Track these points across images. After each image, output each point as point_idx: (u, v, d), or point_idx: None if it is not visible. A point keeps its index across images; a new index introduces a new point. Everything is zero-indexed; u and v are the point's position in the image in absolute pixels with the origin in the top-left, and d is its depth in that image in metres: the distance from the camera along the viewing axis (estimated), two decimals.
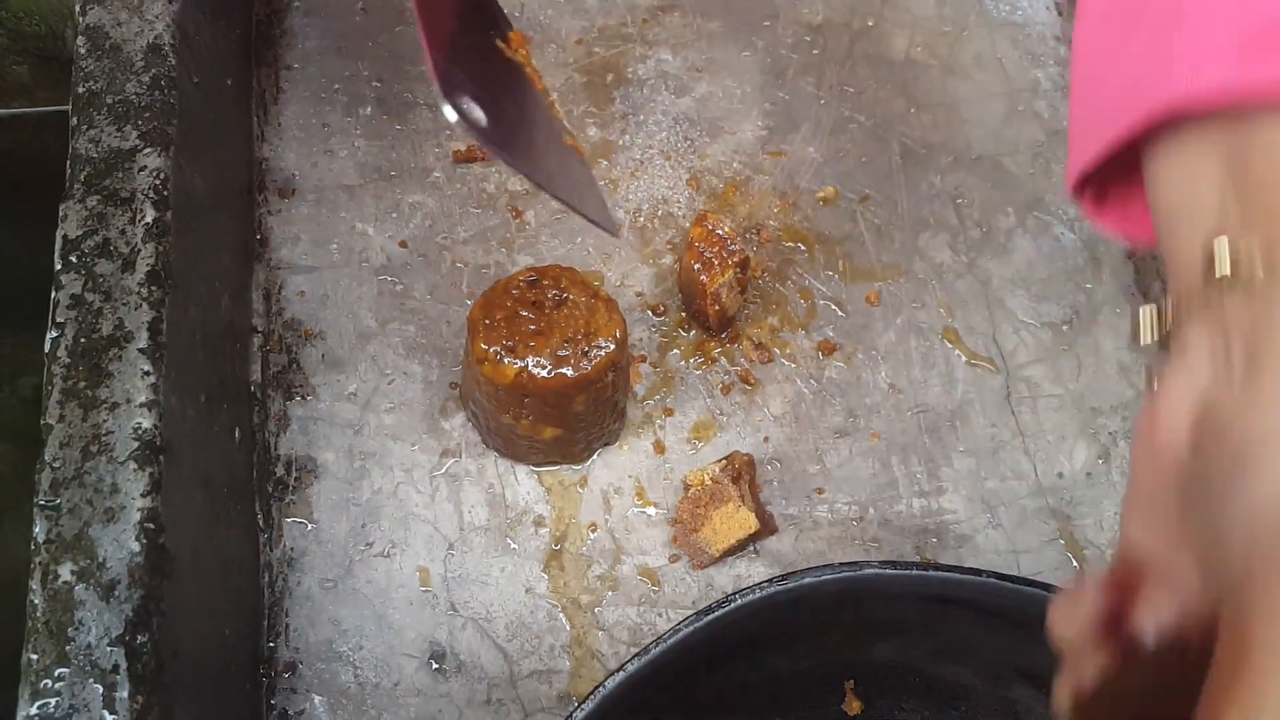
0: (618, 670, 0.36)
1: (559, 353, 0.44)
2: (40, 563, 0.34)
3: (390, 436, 0.50)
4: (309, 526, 0.48)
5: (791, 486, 0.52)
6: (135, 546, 0.35)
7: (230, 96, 0.52)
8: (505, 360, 0.44)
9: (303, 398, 0.51)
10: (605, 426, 0.50)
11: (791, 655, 0.46)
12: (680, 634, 0.37)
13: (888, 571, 0.39)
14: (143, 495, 0.36)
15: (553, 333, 0.45)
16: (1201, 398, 0.25)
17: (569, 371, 0.44)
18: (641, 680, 0.37)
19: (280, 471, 0.49)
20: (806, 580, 0.38)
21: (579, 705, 0.36)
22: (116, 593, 0.34)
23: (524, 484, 0.50)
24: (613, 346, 0.45)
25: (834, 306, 0.56)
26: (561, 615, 0.48)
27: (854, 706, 0.46)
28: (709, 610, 0.37)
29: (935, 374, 0.55)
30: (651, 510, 0.51)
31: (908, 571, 0.39)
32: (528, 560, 0.49)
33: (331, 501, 0.49)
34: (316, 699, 0.45)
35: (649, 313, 0.55)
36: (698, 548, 0.49)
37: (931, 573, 0.39)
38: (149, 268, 0.39)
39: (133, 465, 0.36)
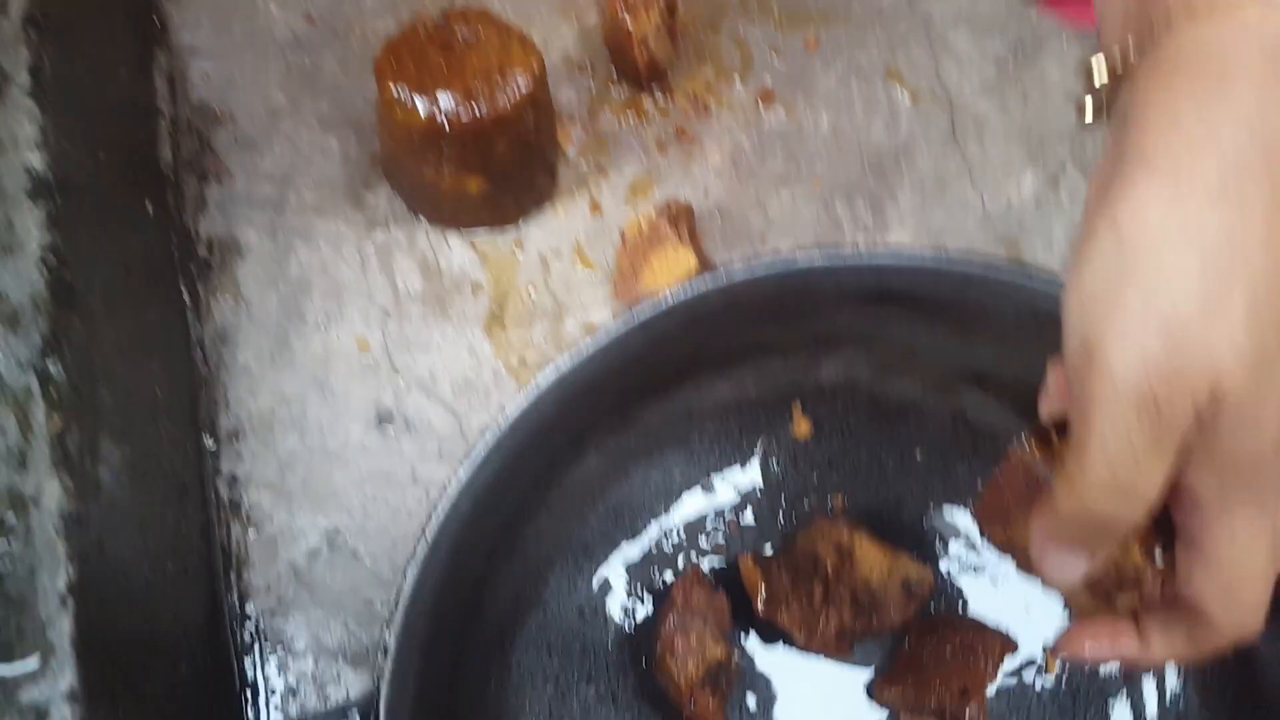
0: (541, 372, 0.36)
1: (470, 89, 0.42)
2: None
3: (314, 212, 0.49)
4: (239, 304, 0.47)
5: (734, 237, 0.51)
6: (35, 277, 0.34)
7: None
8: (415, 101, 0.42)
9: (218, 180, 0.49)
10: (534, 181, 0.48)
11: (737, 381, 0.46)
12: (613, 334, 0.36)
13: (819, 264, 0.38)
14: (39, 228, 0.34)
15: (464, 70, 0.43)
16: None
17: (482, 108, 0.42)
18: (577, 385, 0.37)
19: (203, 252, 0.48)
20: (738, 275, 0.37)
21: (499, 416, 0.35)
22: (21, 322, 0.33)
23: (457, 252, 0.49)
24: (529, 81, 0.43)
25: (771, 54, 0.54)
26: (506, 373, 0.48)
27: (802, 427, 0.46)
28: (639, 313, 0.37)
29: (878, 115, 0.53)
30: (592, 271, 0.50)
31: (841, 259, 0.38)
32: (468, 324, 0.48)
33: (259, 278, 0.48)
34: (264, 461, 0.45)
35: (576, 73, 0.52)
36: (639, 296, 0.48)
37: (866, 259, 0.38)
38: (24, 12, 0.37)
39: (26, 202, 0.35)
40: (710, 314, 0.39)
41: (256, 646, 0.43)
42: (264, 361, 0.46)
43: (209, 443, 0.45)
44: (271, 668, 0.43)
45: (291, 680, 0.43)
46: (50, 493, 0.32)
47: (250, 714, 0.42)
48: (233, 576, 0.44)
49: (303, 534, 0.45)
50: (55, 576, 0.31)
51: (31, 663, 0.30)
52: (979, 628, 0.43)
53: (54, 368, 0.33)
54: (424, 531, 0.34)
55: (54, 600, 0.31)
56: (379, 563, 0.45)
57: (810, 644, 0.41)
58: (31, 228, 0.34)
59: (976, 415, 0.46)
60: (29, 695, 0.30)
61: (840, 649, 0.41)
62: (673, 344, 0.40)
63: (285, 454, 0.45)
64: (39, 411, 0.33)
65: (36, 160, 0.35)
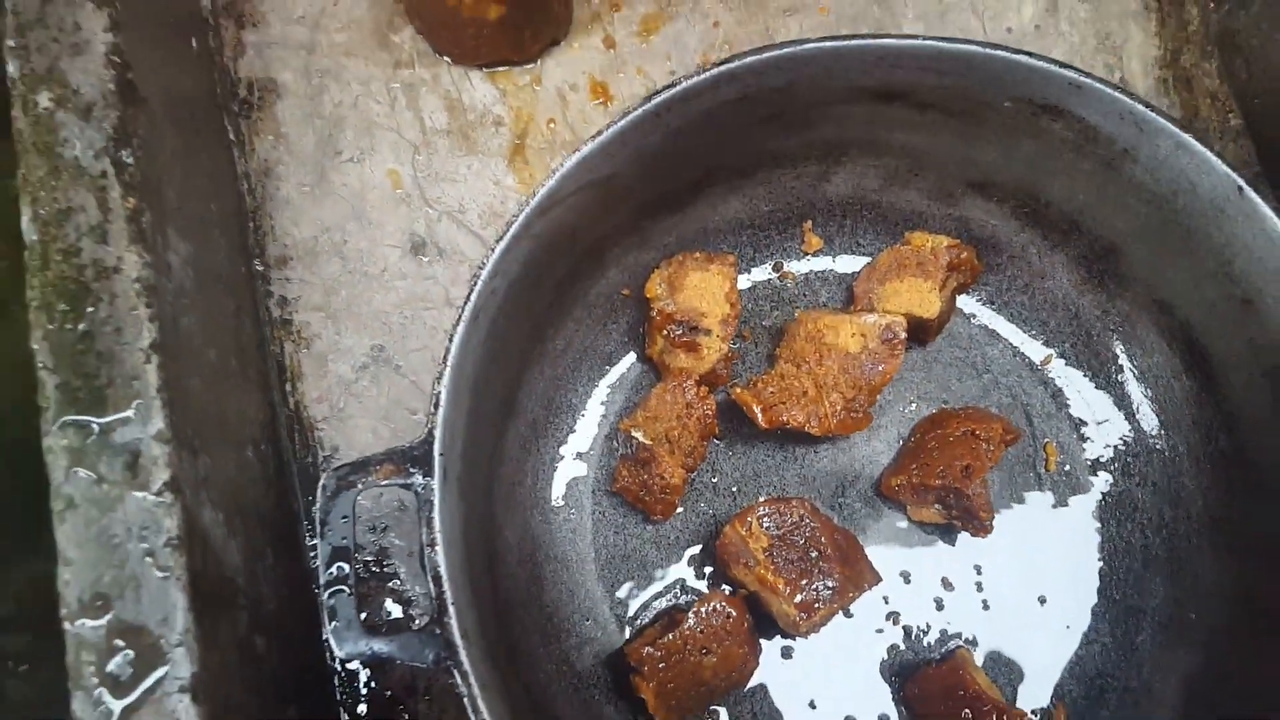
0: (567, 156, 0.38)
1: None
2: (19, 95, 0.36)
3: (344, 53, 0.51)
4: (278, 140, 0.50)
5: None
6: (105, 75, 0.37)
7: None
8: None
9: (254, 24, 0.51)
10: (550, 9, 0.50)
11: (749, 197, 0.48)
12: (627, 117, 0.38)
13: (827, 48, 0.40)
14: (105, 31, 0.37)
15: None
16: None
17: None
18: (592, 175, 0.39)
19: (243, 93, 0.50)
20: (750, 60, 0.39)
21: (529, 195, 0.38)
22: (94, 114, 0.36)
23: (479, 88, 0.52)
24: None
25: None
26: None
27: (812, 244, 0.49)
28: (651, 97, 0.39)
29: None
30: (608, 104, 0.52)
31: (849, 43, 0.39)
32: (492, 158, 0.51)
33: (296, 117, 0.50)
34: (310, 285, 0.48)
35: None
36: (871, 305, 0.46)
37: (870, 42, 0.40)
38: None
39: (90, 5, 0.37)
40: (723, 108, 0.41)
41: (312, 449, 0.47)
42: (305, 194, 0.49)
43: (259, 266, 0.48)
44: (325, 468, 0.47)
45: None
46: (130, 262, 0.35)
47: (303, 499, 0.45)
48: (288, 388, 0.47)
49: (350, 351, 0.48)
50: (139, 335, 0.35)
51: (129, 410, 0.34)
52: (982, 415, 0.45)
53: (125, 156, 0.36)
54: (468, 296, 0.36)
55: (139, 355, 0.34)
56: (420, 377, 0.48)
57: (827, 430, 0.43)
58: (97, 29, 0.37)
59: (980, 223, 0.48)
60: (122, 437, 0.34)
61: (859, 421, 0.44)
62: (688, 142, 0.42)
63: (329, 279, 0.48)
64: (115, 193, 0.36)
65: None
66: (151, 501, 0.33)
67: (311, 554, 0.44)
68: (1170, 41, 0.54)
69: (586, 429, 0.47)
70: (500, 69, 0.51)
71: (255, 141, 0.50)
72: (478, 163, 0.50)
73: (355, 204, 0.49)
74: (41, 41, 0.37)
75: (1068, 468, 0.46)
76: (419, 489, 0.35)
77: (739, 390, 0.44)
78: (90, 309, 0.34)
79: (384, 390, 0.48)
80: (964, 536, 0.45)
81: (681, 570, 0.45)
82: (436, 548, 0.33)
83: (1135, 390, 0.47)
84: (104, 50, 0.37)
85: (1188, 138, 0.39)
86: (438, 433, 0.35)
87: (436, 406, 0.36)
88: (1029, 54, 0.40)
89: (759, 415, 0.43)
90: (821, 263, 0.49)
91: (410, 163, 0.50)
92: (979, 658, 0.43)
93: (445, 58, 0.51)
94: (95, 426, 0.33)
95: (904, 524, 0.46)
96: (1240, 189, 0.38)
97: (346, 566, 0.34)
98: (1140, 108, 0.39)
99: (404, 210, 0.50)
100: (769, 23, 0.53)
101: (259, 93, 0.50)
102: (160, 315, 0.35)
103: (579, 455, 0.46)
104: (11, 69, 0.36)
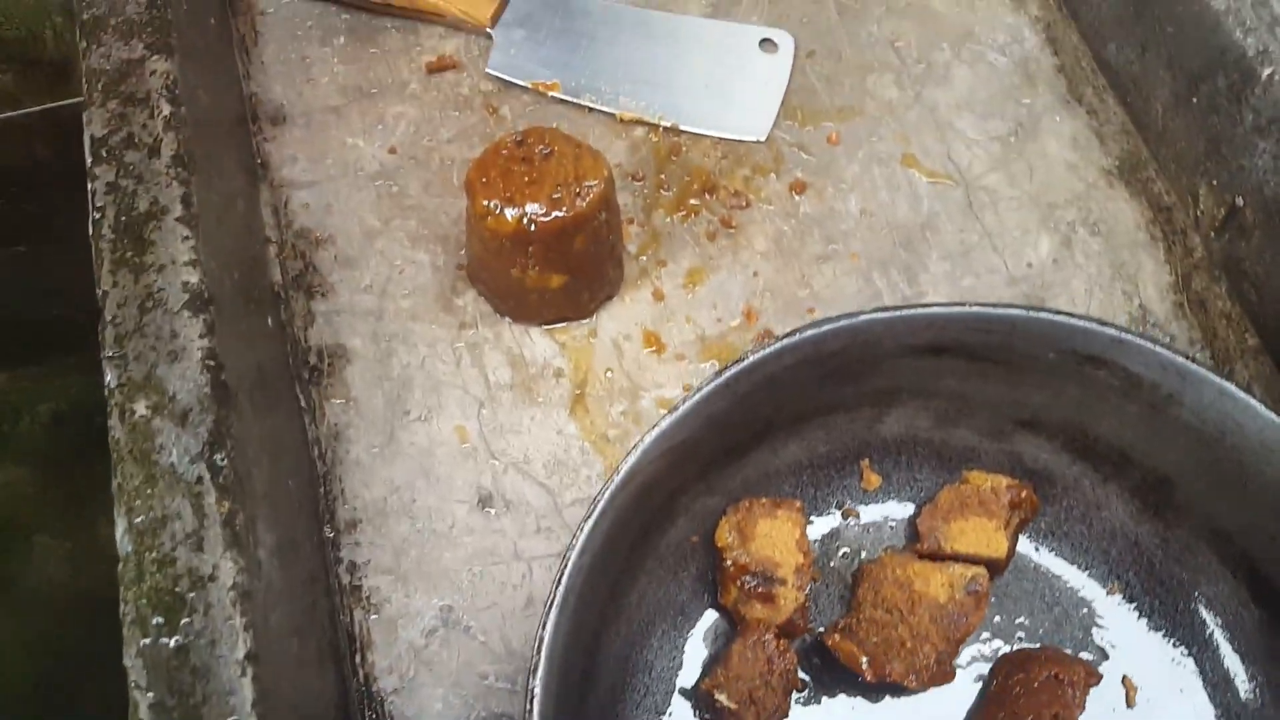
0: (647, 431, 0.40)
1: (553, 196, 0.48)
2: (116, 404, 0.38)
3: (410, 318, 0.54)
4: (348, 404, 0.52)
5: (785, 310, 0.56)
6: (201, 379, 0.38)
7: (214, 36, 0.56)
8: (505, 211, 0.48)
9: (323, 295, 0.54)
10: (606, 274, 0.53)
11: (808, 441, 0.49)
12: (704, 393, 0.40)
13: (879, 318, 0.42)
14: (200, 337, 0.39)
15: (545, 180, 0.49)
16: None
17: (565, 211, 0.48)
18: (675, 442, 0.41)
19: (314, 360, 0.52)
20: (809, 333, 0.42)
21: (613, 473, 0.39)
22: (190, 419, 0.38)
23: (539, 343, 0.54)
24: (601, 184, 0.49)
25: (799, 151, 0.60)
26: (592, 450, 0.52)
27: (872, 481, 0.50)
28: (721, 371, 0.41)
29: (901, 195, 0.59)
30: (662, 353, 0.54)
31: (897, 313, 0.42)
32: (554, 408, 0.52)
33: (365, 380, 0.52)
34: (380, 547, 0.48)
35: (630, 180, 0.59)
36: (939, 545, 0.47)
37: (920, 311, 0.42)
38: (173, 152, 0.43)
39: (187, 313, 0.39)
40: (784, 371, 0.43)
41: None
42: (374, 455, 0.50)
43: (329, 533, 0.48)
44: None
45: None
46: (225, 570, 0.35)
47: None
48: (357, 659, 0.46)
49: (419, 614, 0.47)
50: (234, 647, 0.34)
51: None
52: (1063, 658, 0.45)
53: (220, 459, 0.38)
54: (558, 580, 0.37)
55: (234, 668, 0.34)
56: (490, 637, 0.47)
57: (923, 683, 0.43)
58: (194, 335, 0.39)
59: (1032, 458, 0.49)
60: None
61: (947, 675, 0.43)
62: (754, 403, 0.44)
63: (398, 539, 0.49)
64: (210, 498, 0.37)
65: (193, 276, 0.41)
66: None
67: None
68: (1179, 267, 0.57)
69: (664, 688, 0.45)
70: (558, 325, 0.54)
71: (325, 407, 0.51)
72: (540, 413, 0.52)
73: (424, 461, 0.51)
74: (140, 350, 0.39)
75: (1149, 703, 0.45)
76: None
77: (838, 639, 0.43)
78: (186, 620, 0.34)
79: (454, 654, 0.47)
80: None
81: None
82: None
83: (1207, 619, 0.46)
84: (201, 356, 0.39)
85: (1230, 386, 0.41)
86: None
87: (532, 704, 0.35)
88: (1068, 314, 0.43)
89: (865, 668, 0.42)
90: (882, 499, 0.50)
91: (476, 417, 0.52)
92: None
93: (507, 318, 0.54)
94: None
95: None
96: None
97: None
98: (1180, 360, 0.42)
99: (471, 464, 0.51)
100: (804, 270, 0.56)
101: (329, 359, 0.53)
102: (254, 622, 0.35)
103: (659, 718, 0.45)
104: (109, 378, 0.38)
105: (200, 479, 0.37)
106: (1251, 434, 0.41)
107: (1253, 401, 0.41)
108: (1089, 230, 0.58)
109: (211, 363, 0.39)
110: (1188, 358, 0.42)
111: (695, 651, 0.46)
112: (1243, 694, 0.45)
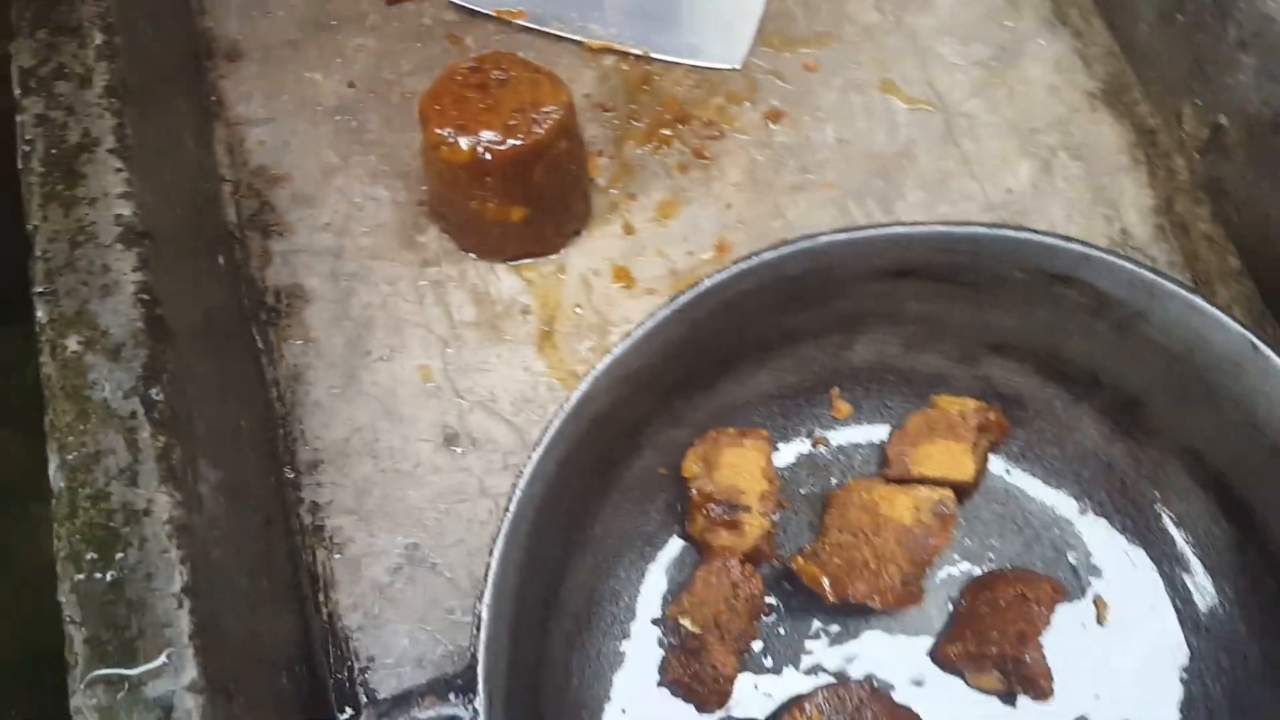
0: (600, 359, 0.38)
1: (509, 123, 0.46)
2: (47, 340, 0.37)
3: (370, 256, 0.53)
4: (308, 345, 0.50)
5: (758, 242, 0.53)
6: (134, 314, 0.37)
7: None
8: (459, 140, 0.46)
9: (280, 234, 0.53)
10: (571, 207, 0.52)
11: (776, 370, 0.48)
12: (658, 319, 0.39)
13: (840, 239, 0.41)
14: (134, 271, 0.38)
15: (501, 107, 0.47)
16: None
17: (521, 139, 0.46)
18: (629, 370, 0.40)
19: (271, 300, 0.51)
20: (766, 255, 0.40)
21: (564, 401, 0.38)
22: (123, 354, 0.37)
23: (505, 280, 0.53)
24: (561, 111, 0.47)
25: (774, 78, 0.58)
26: (560, 387, 0.50)
27: (842, 410, 0.49)
28: (675, 297, 0.40)
29: (878, 123, 0.57)
30: (631, 287, 0.53)
31: (859, 234, 0.41)
32: (521, 345, 0.51)
33: (325, 320, 0.51)
34: (342, 488, 0.47)
35: (599, 110, 0.57)
36: (906, 468, 0.46)
37: (881, 232, 0.41)
38: (105, 83, 0.41)
39: (119, 247, 0.38)
40: (744, 297, 0.42)
41: (348, 663, 0.45)
42: (335, 396, 0.49)
43: (289, 474, 0.47)
44: (363, 681, 0.45)
45: (383, 692, 0.44)
46: (160, 504, 0.35)
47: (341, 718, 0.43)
48: (320, 598, 0.46)
49: (384, 553, 0.47)
50: (171, 580, 0.34)
51: (159, 660, 0.32)
52: (1029, 577, 0.44)
53: (155, 394, 0.37)
54: (507, 507, 0.36)
55: (170, 601, 0.33)
56: (457, 573, 0.47)
57: (888, 603, 0.42)
58: (126, 269, 0.38)
59: (1003, 381, 0.48)
60: (154, 690, 0.32)
61: (913, 596, 0.42)
62: (712, 330, 0.43)
63: (361, 479, 0.48)
64: (145, 432, 0.36)
65: (126, 209, 0.39)
66: None
67: None
68: (1162, 190, 0.55)
69: (631, 617, 0.45)
70: (525, 261, 0.53)
71: (284, 348, 0.50)
72: (507, 351, 0.51)
73: (386, 401, 0.50)
74: (71, 285, 0.38)
75: (1119, 620, 0.45)
76: (465, 718, 0.34)
77: (802, 562, 0.43)
78: (120, 555, 0.34)
79: (420, 591, 0.46)
80: (1025, 700, 0.43)
81: None
82: None
83: (1177, 537, 0.46)
84: (134, 290, 0.38)
85: (1197, 299, 0.40)
86: (481, 656, 0.34)
87: (479, 628, 0.35)
88: (1034, 230, 0.41)
89: (828, 589, 0.42)
90: (852, 428, 0.49)
91: (440, 356, 0.51)
92: None
93: (471, 254, 0.53)
94: (125, 682, 0.32)
95: (963, 692, 0.44)
96: (1254, 345, 0.39)
97: None
98: (1148, 274, 0.40)
99: (435, 403, 0.50)
100: (778, 201, 0.55)
101: (286, 299, 0.51)
102: (192, 555, 0.34)
103: (625, 647, 0.44)
104: (40, 314, 0.37)
105: (134, 414, 0.36)
106: (1219, 348, 0.40)
107: (1220, 314, 0.39)
108: (1070, 155, 0.56)
109: (146, 297, 0.38)
110: (1155, 272, 0.40)
111: (663, 581, 0.46)
112: (1213, 610, 0.44)
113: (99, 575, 0.33)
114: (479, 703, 0.34)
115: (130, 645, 0.32)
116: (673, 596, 0.45)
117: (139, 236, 0.39)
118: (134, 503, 0.35)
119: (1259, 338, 0.39)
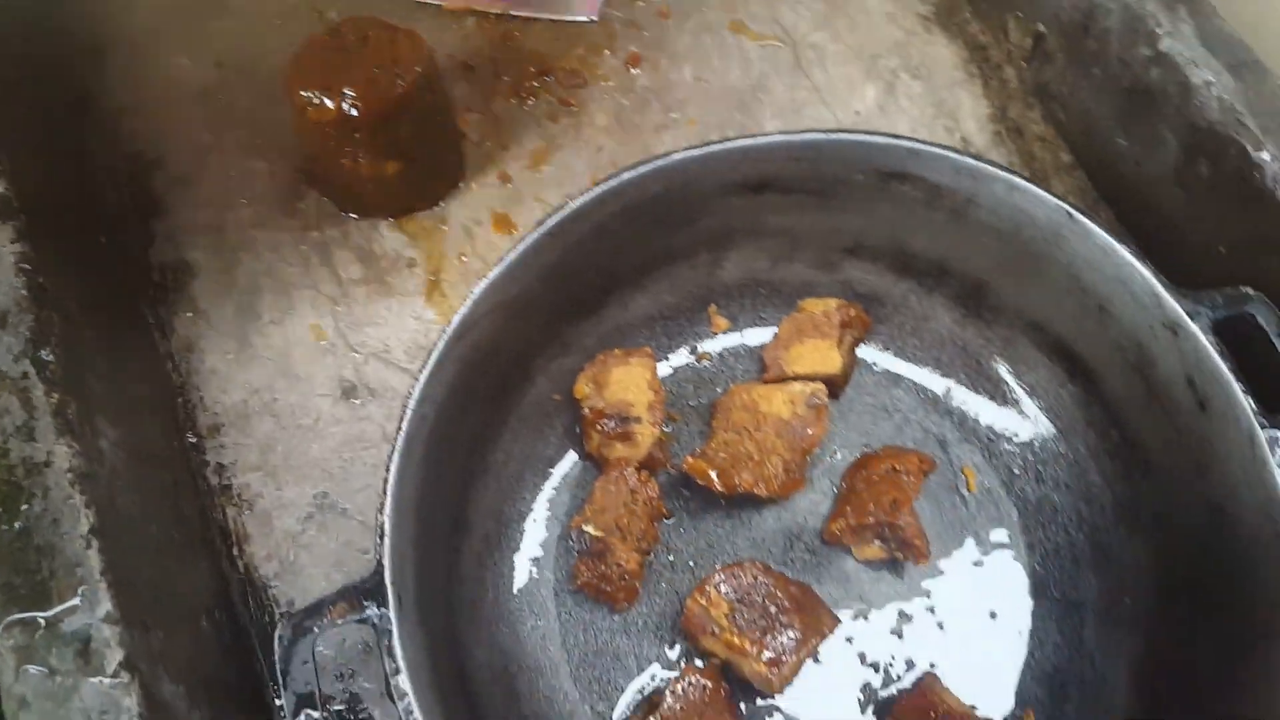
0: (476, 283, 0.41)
1: (371, 79, 0.48)
2: None
3: (252, 226, 0.54)
4: (198, 316, 0.52)
5: None
6: (17, 282, 0.38)
7: None
8: (324, 99, 0.48)
9: (160, 214, 0.54)
10: (442, 159, 0.54)
11: (654, 293, 0.51)
12: (527, 242, 0.42)
13: (693, 155, 0.44)
14: (12, 242, 0.39)
15: (363, 65, 0.49)
16: None
17: (384, 92, 0.48)
18: (501, 297, 0.42)
19: (157, 278, 0.52)
20: (626, 175, 0.43)
21: (445, 326, 0.40)
22: (9, 320, 0.38)
23: (388, 236, 0.55)
24: (421, 65, 0.49)
25: (631, 27, 0.61)
26: None
27: (720, 325, 0.52)
28: (544, 220, 0.42)
29: (732, 61, 0.61)
30: (512, 233, 0.55)
31: (710, 148, 0.44)
32: (410, 297, 0.53)
33: (212, 292, 0.52)
34: (245, 448, 0.49)
35: (465, 69, 0.59)
36: (781, 368, 0.49)
37: (728, 145, 0.44)
38: None
39: None
40: (612, 219, 0.45)
41: (268, 609, 0.46)
42: (229, 361, 0.51)
43: (191, 439, 0.49)
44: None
45: None
46: (60, 454, 0.36)
47: (266, 662, 0.45)
48: (234, 552, 0.47)
49: (293, 504, 0.48)
50: (77, 523, 0.35)
51: (74, 600, 0.34)
52: (899, 452, 0.48)
53: (45, 354, 0.38)
54: (399, 426, 0.38)
55: (79, 542, 0.35)
56: (367, 515, 0.49)
57: (773, 490, 0.46)
58: (4, 240, 0.39)
59: (861, 282, 0.52)
60: (70, 625, 0.34)
61: (797, 483, 0.46)
62: (586, 254, 0.45)
63: (264, 438, 0.49)
64: (38, 390, 0.37)
65: None
66: (108, 685, 0.32)
67: (281, 714, 0.44)
68: (996, 99, 0.60)
69: (539, 534, 0.48)
70: (406, 217, 0.55)
71: (174, 321, 0.51)
72: (397, 304, 0.53)
73: (281, 363, 0.51)
74: None
75: (988, 486, 0.49)
76: (376, 621, 0.36)
77: (692, 461, 0.46)
78: (25, 506, 0.35)
79: (332, 536, 0.48)
80: (909, 567, 0.47)
81: (655, 653, 0.45)
82: (401, 674, 0.34)
83: (1029, 405, 0.50)
84: (13, 260, 0.39)
85: (1016, 178, 0.44)
86: (386, 561, 0.36)
87: (382, 536, 0.37)
88: (866, 131, 0.45)
89: (715, 480, 0.45)
90: (732, 340, 0.52)
91: (331, 314, 0.52)
92: (945, 678, 0.44)
93: (352, 215, 0.54)
94: (41, 620, 0.33)
95: (852, 566, 0.48)
96: (1070, 214, 0.43)
97: (315, 713, 0.34)
98: (970, 161, 0.44)
99: (330, 360, 0.51)
100: (646, 140, 0.58)
101: (172, 275, 0.52)
102: (96, 500, 0.36)
103: (536, 561, 0.47)
104: None
105: (26, 374, 0.37)
106: (1042, 221, 0.45)
107: (1038, 190, 0.44)
108: (911, 75, 0.61)
109: (27, 266, 0.39)
110: (976, 158, 0.44)
111: (566, 499, 0.48)
112: (1070, 466, 0.49)
113: (5, 526, 0.34)
114: (390, 607, 0.36)
115: (43, 587, 0.34)
116: (577, 511, 0.48)
117: (15, 211, 0.40)
118: (33, 456, 0.36)
119: (1074, 206, 0.44)
